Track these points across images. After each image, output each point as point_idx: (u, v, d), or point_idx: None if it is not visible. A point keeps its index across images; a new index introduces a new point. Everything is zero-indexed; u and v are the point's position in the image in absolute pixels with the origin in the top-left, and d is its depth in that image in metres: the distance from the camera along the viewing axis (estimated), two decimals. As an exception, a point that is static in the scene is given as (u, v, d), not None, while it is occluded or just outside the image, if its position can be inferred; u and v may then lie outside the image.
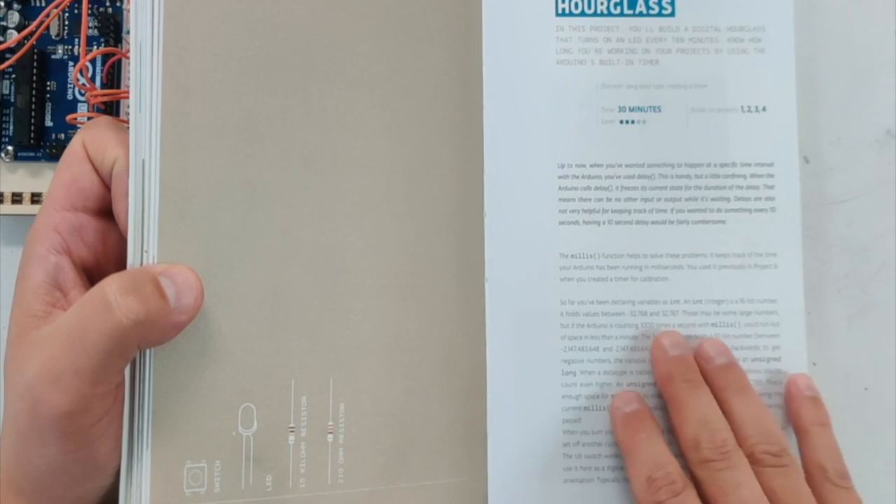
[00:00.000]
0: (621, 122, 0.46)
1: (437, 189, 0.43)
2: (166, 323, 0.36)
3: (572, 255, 0.45)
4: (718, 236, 0.45)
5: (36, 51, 0.50)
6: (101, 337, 0.34)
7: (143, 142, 0.37)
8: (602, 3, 0.46)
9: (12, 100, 0.50)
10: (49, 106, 0.50)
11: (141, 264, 0.37)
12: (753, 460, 0.41)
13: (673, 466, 0.41)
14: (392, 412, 0.41)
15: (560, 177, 0.45)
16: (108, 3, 0.50)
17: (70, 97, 0.50)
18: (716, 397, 0.43)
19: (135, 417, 0.37)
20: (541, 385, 0.44)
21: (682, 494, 0.40)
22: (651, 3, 0.47)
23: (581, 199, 0.45)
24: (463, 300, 0.44)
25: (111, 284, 0.35)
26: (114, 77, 0.51)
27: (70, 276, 0.37)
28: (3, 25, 0.50)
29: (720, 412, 0.43)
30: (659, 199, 0.45)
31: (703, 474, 0.41)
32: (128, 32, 0.50)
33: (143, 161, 0.37)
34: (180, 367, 0.37)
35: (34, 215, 0.39)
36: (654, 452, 0.42)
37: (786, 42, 0.47)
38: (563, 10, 0.46)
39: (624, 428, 0.43)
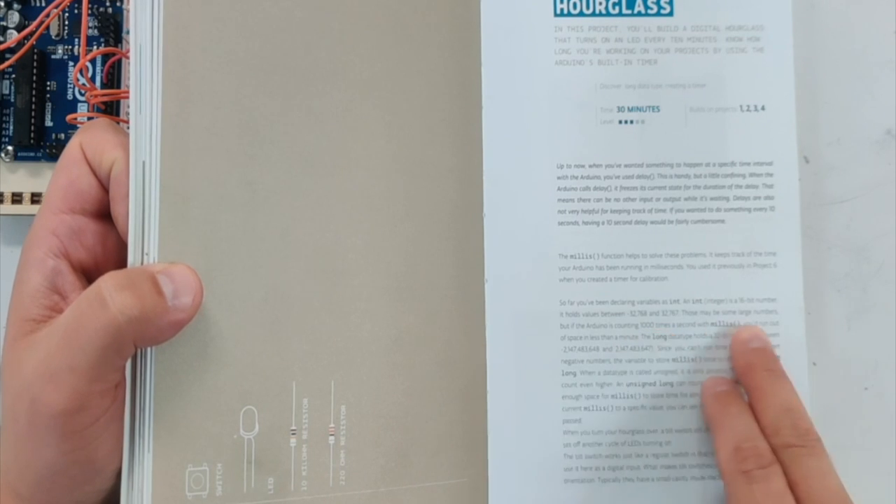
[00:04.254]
0: (620, 122, 0.46)
1: (437, 190, 0.43)
2: (163, 321, 0.35)
3: (572, 256, 0.45)
4: (718, 236, 0.45)
5: (36, 51, 0.50)
6: (97, 333, 0.34)
7: (144, 144, 0.37)
8: (600, 3, 0.46)
9: (12, 100, 0.50)
10: (49, 106, 0.50)
11: (141, 266, 0.37)
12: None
13: (762, 442, 0.41)
14: (393, 413, 0.41)
15: (559, 177, 0.45)
16: (108, 3, 0.50)
17: (70, 97, 0.50)
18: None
19: (136, 420, 0.37)
20: (541, 385, 0.44)
21: (769, 468, 0.40)
22: (649, 3, 0.46)
23: (580, 200, 0.45)
24: (463, 301, 0.44)
25: (107, 281, 0.35)
26: (114, 77, 0.51)
27: (69, 280, 0.37)
28: (3, 25, 0.50)
29: (803, 403, 0.43)
30: (658, 199, 0.45)
31: (786, 459, 0.41)
32: (128, 32, 0.50)
33: (144, 163, 0.37)
34: (181, 369, 0.37)
35: (34, 215, 0.39)
36: (744, 425, 0.42)
37: (784, 41, 0.46)
38: (562, 10, 0.46)
39: (716, 401, 0.44)
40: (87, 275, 0.38)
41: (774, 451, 0.41)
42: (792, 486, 0.40)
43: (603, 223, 0.45)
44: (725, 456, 0.41)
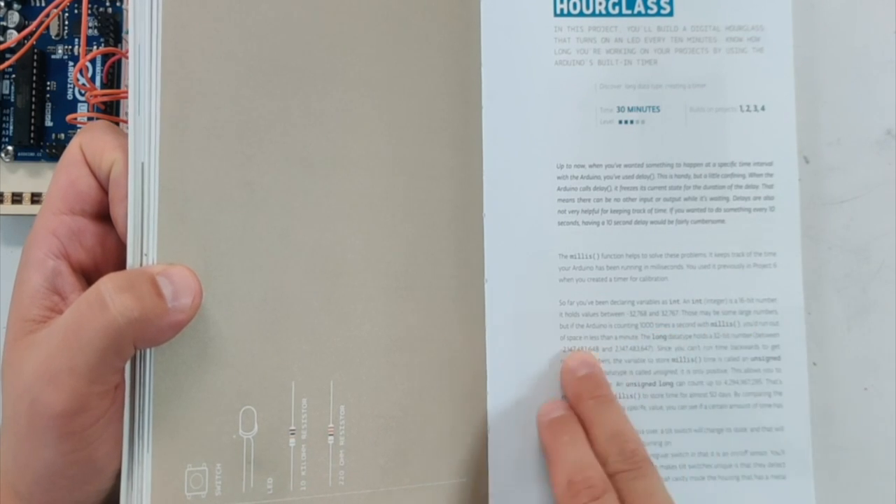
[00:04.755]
0: (620, 122, 0.46)
1: (437, 190, 0.43)
2: (163, 322, 0.35)
3: (572, 256, 0.45)
4: (718, 236, 0.45)
5: (36, 51, 0.50)
6: (96, 334, 0.34)
7: (143, 145, 0.37)
8: (600, 4, 0.46)
9: (12, 100, 0.50)
10: (49, 106, 0.50)
11: (141, 267, 0.37)
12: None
13: (594, 471, 0.41)
14: (392, 414, 0.41)
15: (559, 177, 0.45)
16: (108, 3, 0.50)
17: (70, 97, 0.50)
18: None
19: (135, 420, 0.36)
20: (541, 386, 0.44)
21: (602, 499, 0.40)
22: (649, 3, 0.46)
23: (580, 200, 0.45)
24: (463, 301, 0.44)
25: (107, 283, 0.35)
26: (114, 77, 0.50)
27: (69, 281, 0.37)
28: (3, 25, 0.50)
29: (629, 423, 0.43)
30: (658, 199, 0.45)
31: (616, 486, 0.41)
32: (128, 32, 0.50)
33: (143, 164, 0.37)
34: (180, 369, 0.37)
35: (34, 215, 0.39)
36: (576, 456, 0.42)
37: (784, 41, 0.47)
38: (562, 10, 0.46)
39: (548, 431, 0.43)
40: (87, 275, 0.38)
41: (610, 479, 0.41)
42: None
43: (603, 223, 0.45)
44: (559, 490, 0.41)
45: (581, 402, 0.43)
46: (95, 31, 0.50)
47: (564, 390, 0.44)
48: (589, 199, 0.45)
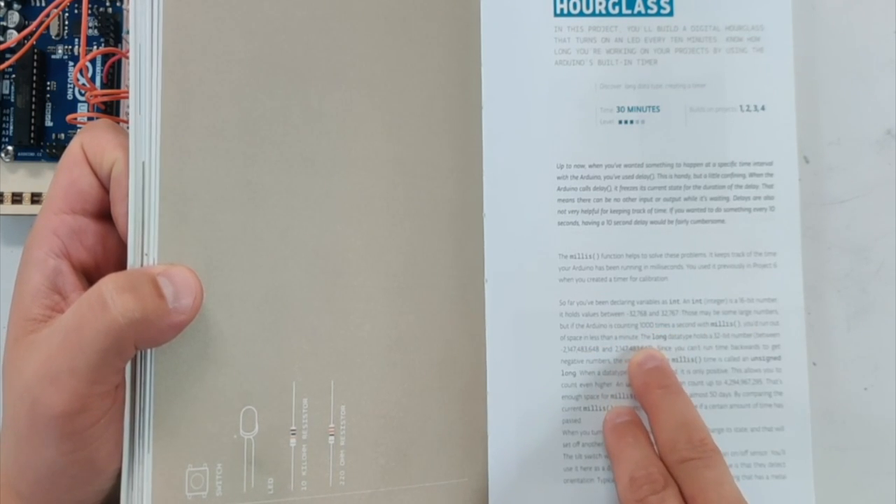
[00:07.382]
0: (620, 122, 0.46)
1: (437, 190, 0.43)
2: (164, 323, 0.36)
3: (571, 256, 0.45)
4: (717, 236, 0.45)
5: (36, 51, 0.50)
6: (98, 335, 0.34)
7: (143, 144, 0.37)
8: (600, 3, 0.46)
9: (12, 100, 0.50)
10: (49, 106, 0.50)
11: (141, 267, 0.37)
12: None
13: (656, 467, 0.41)
14: (392, 413, 0.41)
15: (559, 177, 0.45)
16: (108, 3, 0.50)
17: (70, 97, 0.50)
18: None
19: (136, 420, 0.37)
20: (541, 385, 0.44)
21: (664, 492, 0.40)
22: (649, 3, 0.46)
23: (580, 200, 0.45)
24: (463, 301, 0.44)
25: (108, 283, 0.35)
26: (114, 77, 0.50)
27: (69, 280, 0.37)
28: (3, 25, 0.50)
29: (698, 414, 0.43)
30: (658, 199, 0.45)
31: (683, 474, 0.41)
32: (128, 32, 0.50)
33: (143, 163, 0.37)
34: (181, 369, 0.37)
35: (34, 215, 0.39)
36: (638, 455, 0.42)
37: (784, 41, 0.47)
38: (562, 10, 0.46)
39: (613, 434, 0.44)
40: (88, 275, 0.38)
41: (672, 468, 0.41)
42: (690, 501, 0.40)
43: (603, 223, 0.45)
44: (622, 487, 0.42)
45: (649, 391, 0.44)
46: (95, 31, 0.50)
47: (632, 384, 0.44)
48: (589, 199, 0.45)
